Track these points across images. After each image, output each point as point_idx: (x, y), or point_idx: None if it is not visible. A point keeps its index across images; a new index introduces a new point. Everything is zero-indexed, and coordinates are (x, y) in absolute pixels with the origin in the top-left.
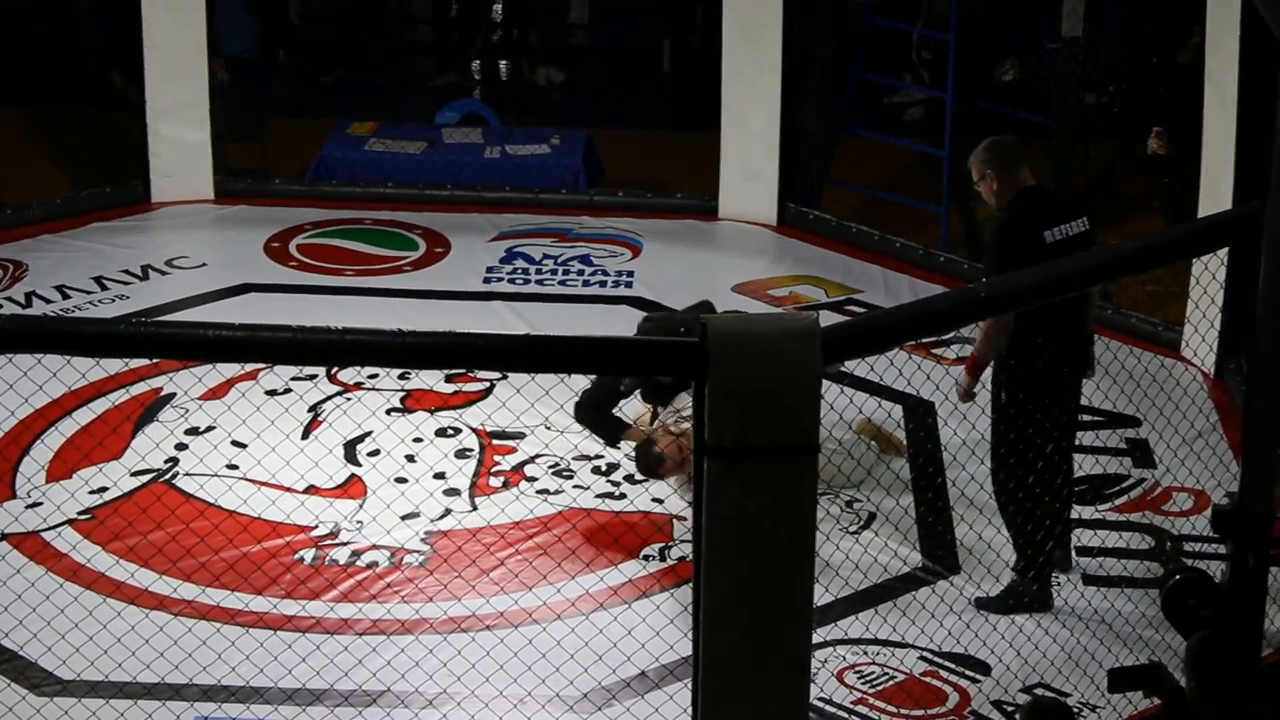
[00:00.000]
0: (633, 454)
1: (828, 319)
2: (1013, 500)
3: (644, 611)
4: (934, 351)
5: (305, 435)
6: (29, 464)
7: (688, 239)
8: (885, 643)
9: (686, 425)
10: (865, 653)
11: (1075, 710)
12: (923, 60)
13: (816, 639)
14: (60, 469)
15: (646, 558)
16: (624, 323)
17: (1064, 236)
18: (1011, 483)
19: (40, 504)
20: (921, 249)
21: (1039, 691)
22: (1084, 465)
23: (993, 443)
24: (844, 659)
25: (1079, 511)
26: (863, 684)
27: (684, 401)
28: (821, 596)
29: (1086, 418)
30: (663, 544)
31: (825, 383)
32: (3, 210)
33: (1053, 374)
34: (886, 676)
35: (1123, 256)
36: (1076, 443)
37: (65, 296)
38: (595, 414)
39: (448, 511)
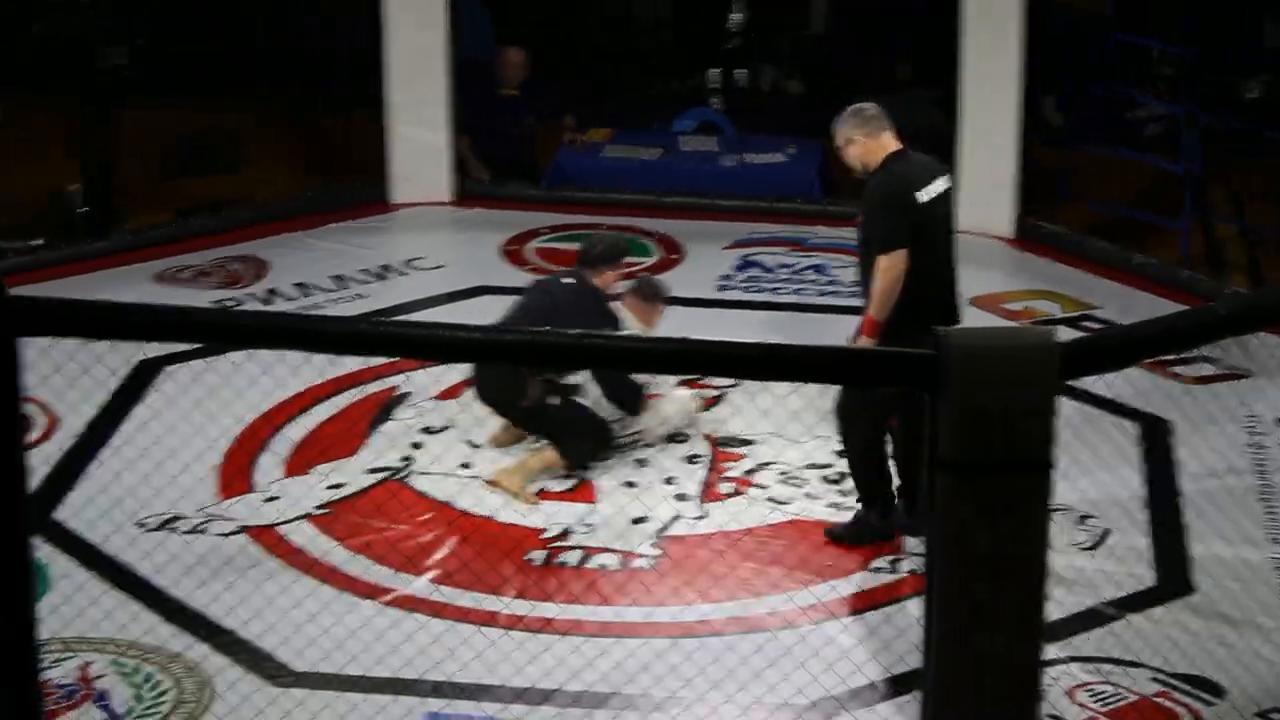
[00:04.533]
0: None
1: (1063, 335)
2: (855, 445)
3: (874, 623)
4: (1172, 370)
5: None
6: (268, 458)
7: None
8: (1118, 661)
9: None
10: (1098, 671)
11: None
12: (1164, 76)
13: (1048, 655)
14: (298, 464)
15: (876, 569)
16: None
17: (932, 196)
18: (852, 432)
19: (278, 498)
20: (1160, 265)
21: (1275, 717)
22: None
23: (840, 390)
24: (1076, 677)
25: None
26: (1094, 702)
27: None
28: (1054, 613)
29: None
30: (893, 556)
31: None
32: (247, 209)
33: (912, 340)
34: (1118, 696)
35: None
36: None
37: (306, 294)
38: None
39: (677, 517)
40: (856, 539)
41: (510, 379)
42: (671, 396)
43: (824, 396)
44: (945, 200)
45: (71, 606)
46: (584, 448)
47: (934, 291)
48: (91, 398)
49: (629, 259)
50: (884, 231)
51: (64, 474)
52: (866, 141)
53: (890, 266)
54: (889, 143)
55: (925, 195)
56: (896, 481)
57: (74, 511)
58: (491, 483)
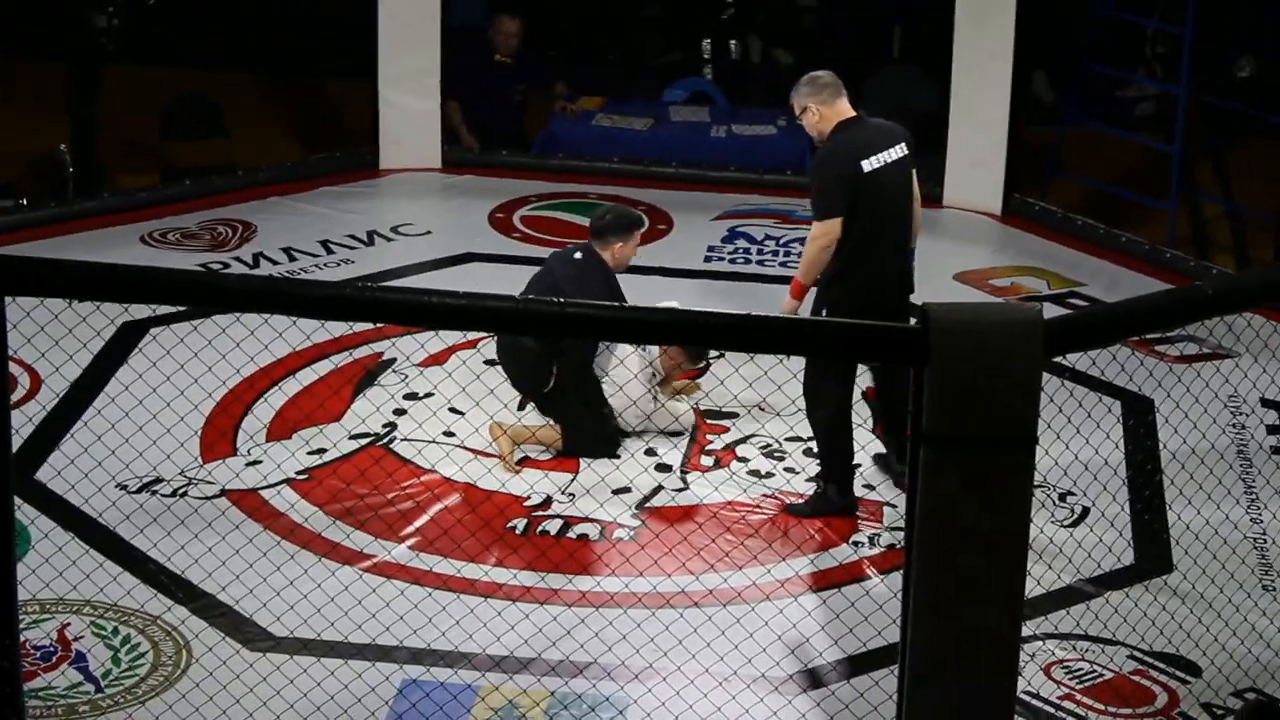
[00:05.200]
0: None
1: (1049, 311)
2: (821, 418)
3: (853, 596)
4: (1157, 348)
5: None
6: (251, 422)
7: None
8: (1095, 639)
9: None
10: (1074, 648)
11: None
12: (1156, 54)
13: (1026, 632)
14: (281, 428)
15: (856, 543)
16: None
17: (881, 164)
18: (819, 404)
19: (260, 462)
20: (1147, 244)
21: (1250, 696)
22: None
23: (807, 363)
24: (1052, 654)
25: None
26: (1070, 680)
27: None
28: (1032, 589)
29: None
30: (873, 530)
31: None
32: (235, 172)
33: (868, 308)
34: (1095, 673)
35: None
36: None
37: (292, 259)
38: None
39: (659, 488)
40: (814, 515)
41: (531, 360)
42: (667, 407)
43: None
44: (899, 168)
45: (51, 568)
46: (586, 442)
47: (882, 259)
48: (75, 359)
49: (642, 230)
50: (817, 199)
51: (46, 435)
52: (821, 109)
53: (820, 235)
54: (843, 110)
55: (872, 164)
56: (867, 456)
57: (55, 472)
58: (492, 430)
